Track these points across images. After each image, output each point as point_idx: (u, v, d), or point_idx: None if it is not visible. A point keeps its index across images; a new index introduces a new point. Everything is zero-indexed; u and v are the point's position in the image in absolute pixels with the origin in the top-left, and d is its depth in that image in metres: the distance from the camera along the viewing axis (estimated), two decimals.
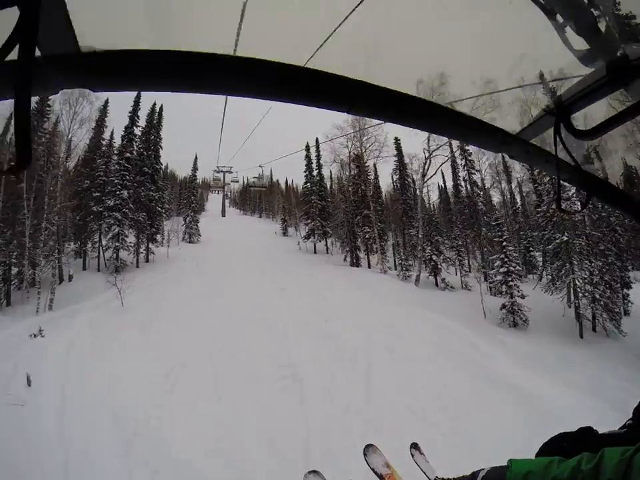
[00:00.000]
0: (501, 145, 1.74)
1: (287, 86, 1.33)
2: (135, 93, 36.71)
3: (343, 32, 1.25)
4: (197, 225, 53.25)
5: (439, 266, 34.83)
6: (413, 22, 1.36)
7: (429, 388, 16.21)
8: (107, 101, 39.05)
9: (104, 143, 37.91)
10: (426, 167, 37.36)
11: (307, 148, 52.82)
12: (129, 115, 37.93)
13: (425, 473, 3.15)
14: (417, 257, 36.37)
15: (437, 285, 34.59)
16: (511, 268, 28.19)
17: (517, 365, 19.17)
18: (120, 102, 46.15)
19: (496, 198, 45.06)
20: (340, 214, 45.65)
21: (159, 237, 41.90)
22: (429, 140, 36.79)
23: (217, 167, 66.73)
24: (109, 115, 39.04)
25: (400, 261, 36.31)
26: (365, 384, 16.59)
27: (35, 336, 19.78)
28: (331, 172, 56.39)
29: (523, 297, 27.16)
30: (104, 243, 33.95)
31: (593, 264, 26.81)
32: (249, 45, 1.18)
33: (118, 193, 33.87)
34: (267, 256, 42.74)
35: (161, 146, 40.24)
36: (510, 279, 27.90)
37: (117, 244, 33.00)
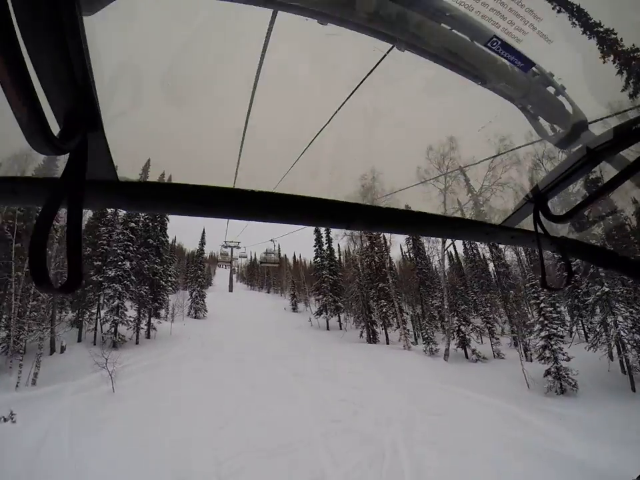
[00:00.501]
0: (486, 235, 1.83)
1: (288, 211, 1.47)
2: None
3: (308, 157, 1.53)
4: (203, 300, 50.35)
5: (467, 336, 31.34)
6: (396, 109, 1.60)
7: None
8: None
9: (109, 210, 35.99)
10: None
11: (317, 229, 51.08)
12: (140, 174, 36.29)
13: None
14: (443, 329, 32.83)
15: (466, 357, 30.90)
16: (552, 330, 25.09)
17: (587, 442, 15.62)
18: None
19: (509, 257, 42.75)
20: (354, 288, 42.64)
21: (162, 312, 39.13)
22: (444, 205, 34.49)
23: (225, 242, 65.24)
24: None
25: (425, 335, 32.74)
26: None
27: (4, 420, 16.50)
28: (339, 245, 54.18)
29: (568, 359, 23.91)
30: (102, 314, 30.89)
31: (635, 311, 24.41)
32: (250, 177, 1.45)
33: (120, 263, 31.38)
34: (277, 334, 39.50)
35: (167, 218, 38.29)
36: (552, 342, 24.68)
37: (115, 317, 29.96)
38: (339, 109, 1.47)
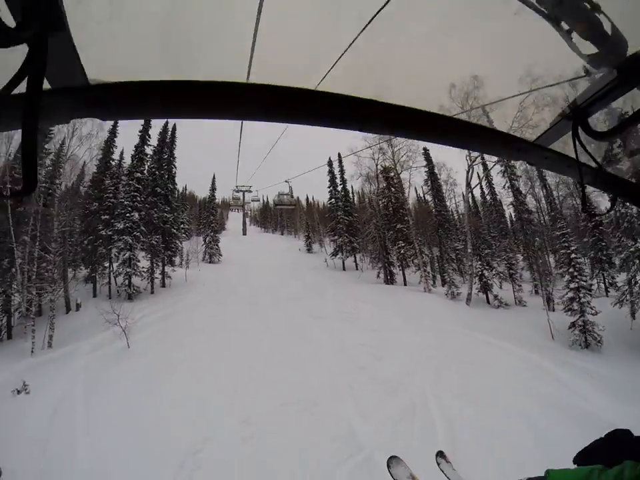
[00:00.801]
0: (518, 152, 1.69)
1: (297, 109, 1.34)
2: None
3: (351, 54, 1.30)
4: (217, 245, 49.62)
5: (490, 281, 30.13)
6: (420, 38, 1.38)
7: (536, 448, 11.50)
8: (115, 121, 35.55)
9: (113, 163, 34.37)
10: (469, 176, 32.75)
11: (330, 163, 48.86)
12: (139, 133, 34.24)
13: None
14: (461, 273, 31.52)
15: (488, 302, 29.88)
16: (582, 282, 23.56)
17: (614, 401, 14.53)
18: (130, 122, 42.73)
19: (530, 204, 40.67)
20: (371, 228, 41.19)
21: (177, 259, 38.44)
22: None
23: (236, 187, 63.71)
24: (118, 134, 35.38)
25: (447, 278, 31.46)
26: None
27: (18, 392, 15.73)
28: (352, 187, 52.19)
29: (596, 313, 22.55)
30: (115, 268, 30.10)
31: None
32: (260, 72, 1.23)
33: (128, 215, 30.11)
34: (293, 275, 38.68)
35: (174, 165, 36.60)
36: (581, 294, 23.24)
37: (128, 269, 29.13)
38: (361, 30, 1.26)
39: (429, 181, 43.04)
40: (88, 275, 30.92)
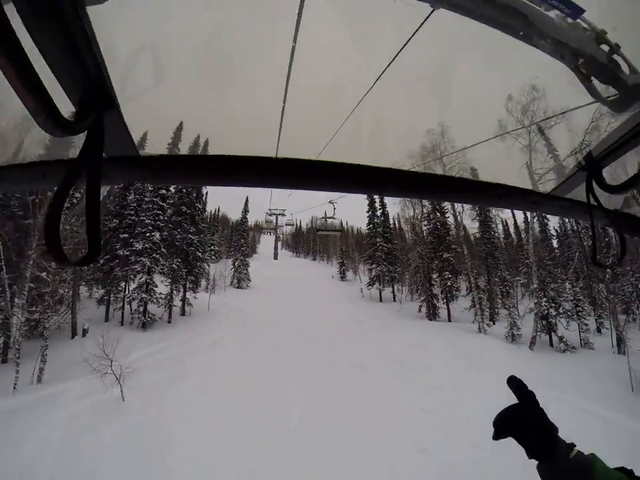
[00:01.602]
0: (533, 205, 1.67)
1: (325, 178, 1.38)
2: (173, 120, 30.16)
3: (355, 124, 1.46)
4: (246, 269, 46.18)
5: (556, 321, 25.03)
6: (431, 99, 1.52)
7: None
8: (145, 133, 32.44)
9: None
10: None
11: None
12: (168, 147, 30.92)
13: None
14: (511, 307, 26.44)
15: (551, 344, 24.73)
16: None
17: None
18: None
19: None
20: (414, 257, 36.53)
21: (202, 282, 34.89)
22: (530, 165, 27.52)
23: (269, 210, 60.66)
24: (146, 147, 32.26)
25: (509, 317, 26.22)
26: None
27: None
28: (391, 215, 47.55)
29: None
30: (129, 292, 26.49)
31: None
32: (285, 147, 1.37)
33: (149, 235, 26.59)
34: (328, 308, 34.31)
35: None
36: None
37: (143, 295, 25.40)
38: (382, 74, 1.36)
39: (477, 206, 38.26)
40: (101, 297, 27.44)
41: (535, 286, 25.64)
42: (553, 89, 1.39)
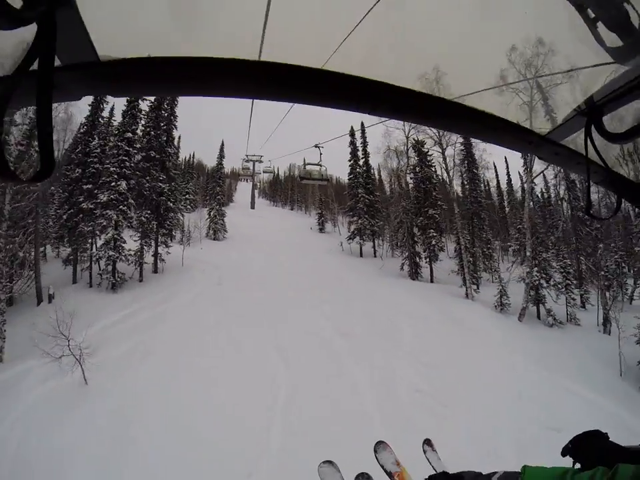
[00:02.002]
0: (528, 146, 1.57)
1: (309, 88, 1.26)
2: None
3: (361, 33, 1.20)
4: (222, 220, 43.56)
5: (547, 293, 23.92)
6: (434, 17, 1.27)
7: None
8: None
9: (101, 121, 27.80)
10: (531, 161, 25.92)
11: (352, 133, 41.98)
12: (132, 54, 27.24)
13: (435, 471, 2.82)
14: (521, 281, 25.00)
15: (538, 317, 23.78)
16: None
17: None
18: None
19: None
20: (398, 211, 34.66)
21: (177, 234, 33.15)
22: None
23: (246, 156, 57.37)
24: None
25: (499, 285, 24.76)
26: None
27: None
28: (370, 164, 44.91)
29: None
30: (95, 250, 24.01)
31: None
32: (271, 50, 1.17)
33: (114, 184, 23.76)
34: (307, 262, 32.52)
35: (174, 125, 29.71)
36: None
37: (111, 253, 22.99)
38: None
39: (465, 162, 36.27)
40: (67, 256, 24.92)
41: (529, 254, 24.21)
42: (560, 44, 1.23)
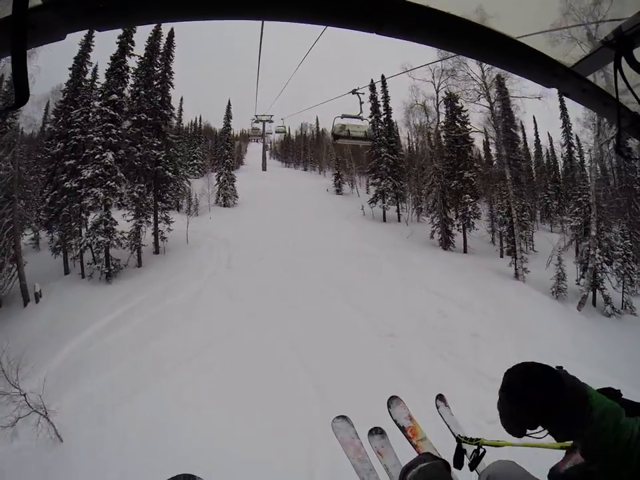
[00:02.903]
0: (553, 78, 1.40)
1: (305, 4, 1.11)
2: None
3: None
4: (232, 185, 39.36)
5: (607, 278, 19.57)
6: None
7: None
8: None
9: (83, 84, 23.08)
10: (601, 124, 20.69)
11: (372, 86, 36.52)
12: (119, 40, 22.32)
13: (448, 426, 2.78)
14: (579, 263, 20.53)
15: (594, 304, 19.53)
16: None
17: None
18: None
19: None
20: (429, 173, 29.92)
21: (180, 207, 29.69)
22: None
23: (256, 116, 52.19)
24: (94, 47, 23.46)
25: (558, 268, 20.23)
26: None
27: None
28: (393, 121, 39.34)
29: None
30: (84, 234, 20.07)
31: None
32: None
33: (98, 157, 19.50)
34: (326, 229, 28.77)
35: (171, 83, 24.85)
36: None
37: (101, 238, 19.08)
38: None
39: (503, 119, 30.89)
40: (55, 244, 21.09)
41: (594, 234, 19.57)
42: None
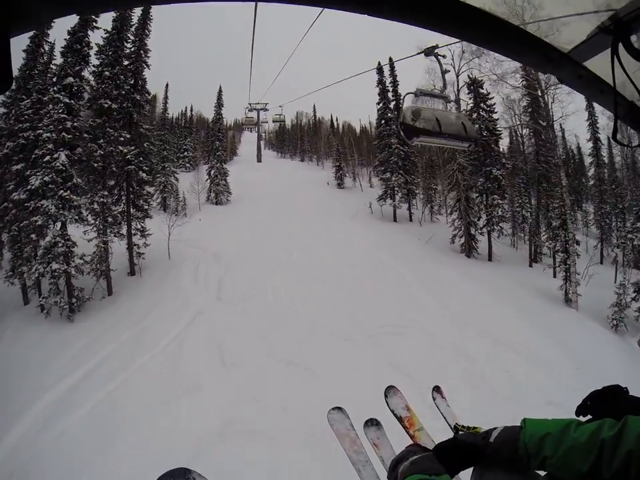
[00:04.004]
0: (548, 63, 1.33)
1: None
2: None
3: None
4: (224, 180, 34.67)
5: None
6: None
7: None
8: None
9: (40, 69, 18.02)
10: None
11: (380, 69, 31.54)
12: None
13: (445, 418, 2.75)
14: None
15: None
16: None
17: None
18: None
19: None
20: (451, 169, 25.17)
21: (171, 202, 25.51)
22: None
23: (249, 104, 47.02)
24: (54, 23, 18.03)
25: (621, 296, 15.79)
26: None
27: None
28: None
29: None
30: (36, 262, 15.17)
31: None
32: None
33: (48, 159, 14.61)
34: (331, 233, 24.43)
35: (146, 63, 19.70)
36: None
37: (56, 266, 14.33)
38: None
39: (529, 108, 26.22)
40: (8, 270, 16.22)
41: None
42: None
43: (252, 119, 49.13)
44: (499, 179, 23.37)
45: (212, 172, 35.08)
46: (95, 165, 15.63)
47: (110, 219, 16.01)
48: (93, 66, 17.28)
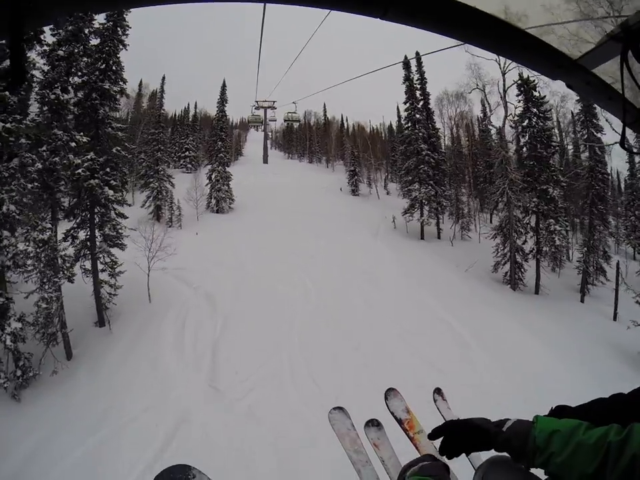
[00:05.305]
0: (557, 69, 1.28)
1: None
2: None
3: None
4: (227, 185, 29.89)
5: None
6: None
7: None
8: None
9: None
10: None
11: (406, 63, 26.41)
12: None
13: (444, 419, 2.31)
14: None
15: None
16: None
17: None
18: None
19: None
20: (504, 189, 19.94)
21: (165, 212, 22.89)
22: None
23: (256, 102, 42.25)
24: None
25: None
26: None
27: None
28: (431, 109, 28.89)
29: None
30: None
31: None
32: None
33: None
34: (362, 264, 19.61)
35: (121, 41, 14.43)
36: None
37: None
38: None
39: (583, 121, 21.33)
40: None
41: None
42: None
43: (258, 116, 44.31)
44: (556, 199, 18.40)
45: (213, 176, 30.24)
46: (30, 185, 10.53)
47: (59, 260, 10.98)
48: (47, 45, 12.21)
